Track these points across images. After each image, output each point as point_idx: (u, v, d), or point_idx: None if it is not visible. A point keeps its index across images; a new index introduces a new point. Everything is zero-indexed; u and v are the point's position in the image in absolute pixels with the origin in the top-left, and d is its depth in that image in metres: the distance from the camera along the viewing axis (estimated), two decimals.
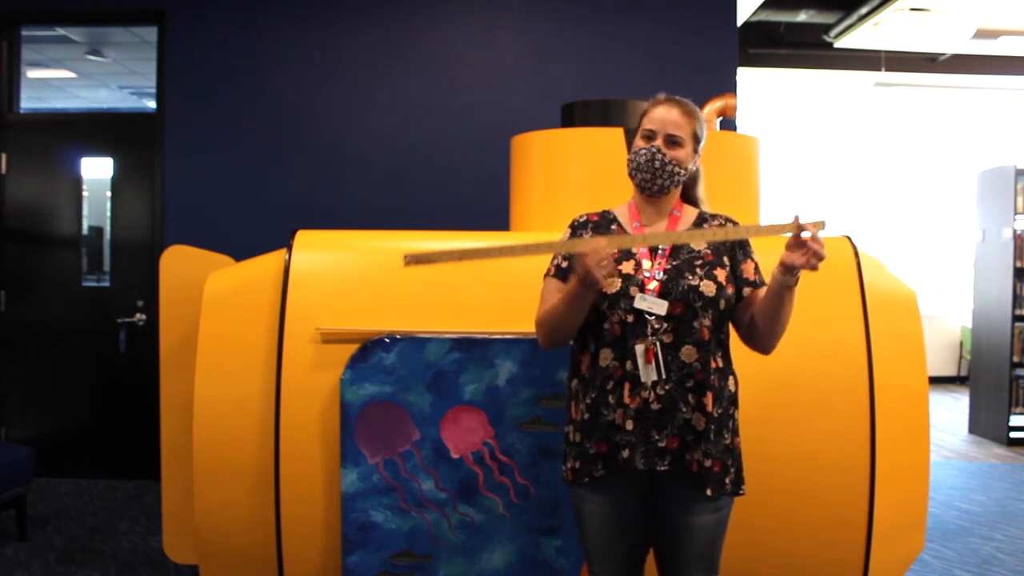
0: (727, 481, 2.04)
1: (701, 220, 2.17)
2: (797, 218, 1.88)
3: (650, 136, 2.11)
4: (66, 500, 4.66)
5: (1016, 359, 6.31)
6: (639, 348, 1.98)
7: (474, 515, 2.48)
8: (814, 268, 1.87)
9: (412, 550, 2.47)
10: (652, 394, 1.98)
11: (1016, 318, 6.30)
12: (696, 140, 2.14)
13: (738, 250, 2.12)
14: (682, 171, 2.11)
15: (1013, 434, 6.42)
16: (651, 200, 2.14)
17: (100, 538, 4.04)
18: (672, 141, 2.09)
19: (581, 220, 2.21)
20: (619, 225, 2.17)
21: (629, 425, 1.99)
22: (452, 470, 2.47)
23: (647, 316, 1.99)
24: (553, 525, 2.48)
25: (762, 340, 2.06)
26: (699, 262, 2.06)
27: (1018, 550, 4.11)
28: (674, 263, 2.05)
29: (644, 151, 2.09)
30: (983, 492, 5.14)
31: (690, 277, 2.03)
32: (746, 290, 2.10)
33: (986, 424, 6.67)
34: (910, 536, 2.70)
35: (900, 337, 2.68)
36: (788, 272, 1.91)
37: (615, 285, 2.00)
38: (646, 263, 2.05)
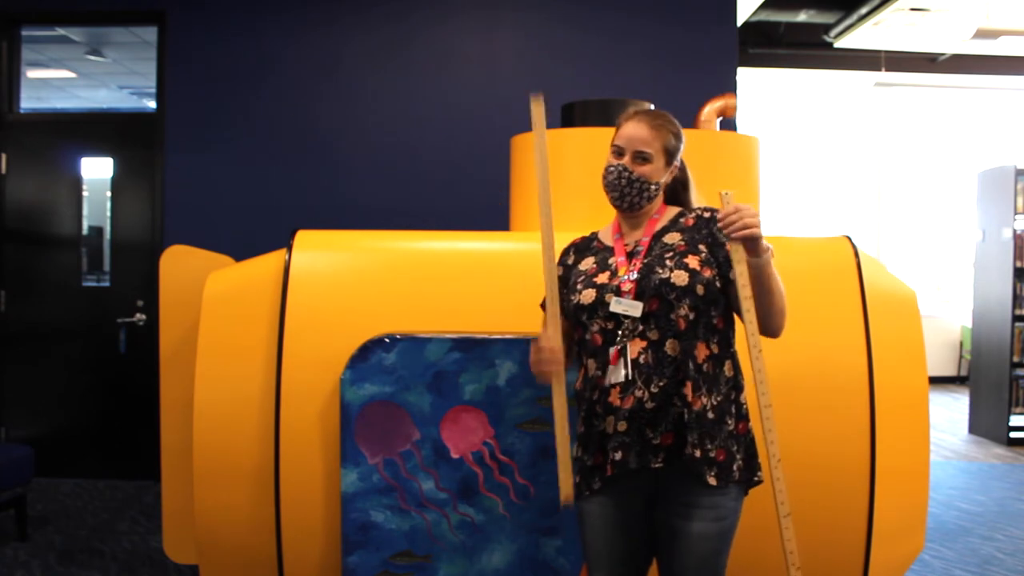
0: (734, 468, 2.00)
1: (680, 215, 2.15)
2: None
3: (619, 153, 2.12)
4: (66, 500, 4.66)
5: (1016, 359, 6.31)
6: (611, 351, 1.99)
7: (474, 515, 2.47)
8: (748, 234, 1.91)
9: (412, 550, 2.47)
10: (646, 392, 1.96)
11: (1016, 318, 6.30)
12: (668, 153, 2.12)
13: (719, 232, 2.02)
14: (651, 186, 2.11)
15: (1013, 434, 6.42)
16: (627, 215, 2.15)
17: (100, 538, 4.04)
18: (640, 157, 2.10)
19: (566, 247, 2.24)
20: (599, 241, 2.20)
21: (622, 427, 1.98)
22: (452, 470, 2.47)
23: (623, 319, 1.99)
24: (553, 525, 2.47)
25: (761, 324, 2.03)
26: (670, 254, 2.04)
27: (1018, 550, 4.11)
28: (646, 261, 2.05)
29: (612, 169, 2.11)
30: (983, 492, 5.14)
31: (660, 271, 2.01)
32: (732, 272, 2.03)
33: (986, 424, 6.67)
34: (910, 536, 2.70)
35: (900, 337, 2.67)
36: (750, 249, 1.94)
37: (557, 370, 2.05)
38: (622, 271, 2.06)
